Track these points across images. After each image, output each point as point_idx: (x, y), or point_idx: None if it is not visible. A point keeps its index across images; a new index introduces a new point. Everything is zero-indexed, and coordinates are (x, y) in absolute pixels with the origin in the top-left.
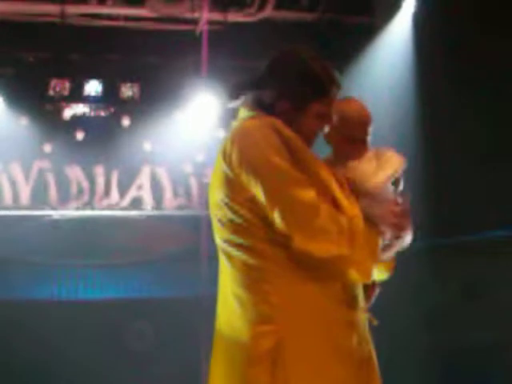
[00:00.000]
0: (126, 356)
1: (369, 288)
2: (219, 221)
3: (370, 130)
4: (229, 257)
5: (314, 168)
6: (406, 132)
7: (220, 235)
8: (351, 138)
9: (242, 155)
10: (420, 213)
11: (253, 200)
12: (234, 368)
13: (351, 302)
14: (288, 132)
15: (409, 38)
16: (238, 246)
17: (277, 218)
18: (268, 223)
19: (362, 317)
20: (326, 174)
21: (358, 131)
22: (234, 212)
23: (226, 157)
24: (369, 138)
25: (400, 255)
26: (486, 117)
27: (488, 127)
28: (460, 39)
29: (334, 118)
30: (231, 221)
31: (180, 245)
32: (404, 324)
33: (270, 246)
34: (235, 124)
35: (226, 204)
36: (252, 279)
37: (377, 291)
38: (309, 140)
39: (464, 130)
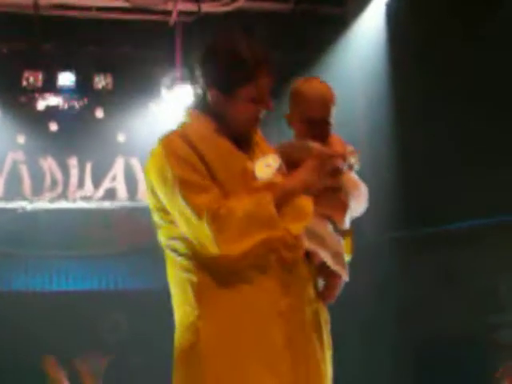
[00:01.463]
0: (101, 347)
1: (330, 277)
2: (154, 223)
3: (332, 111)
4: (165, 256)
5: (224, 165)
6: (377, 123)
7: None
8: (311, 118)
9: (150, 168)
10: (390, 205)
11: (163, 208)
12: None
13: (283, 292)
14: (196, 137)
15: (381, 29)
16: (166, 246)
17: (180, 224)
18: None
19: (305, 307)
20: (239, 164)
21: (318, 111)
22: (156, 217)
23: (145, 167)
24: (331, 120)
25: (370, 246)
26: (456, 109)
27: (458, 118)
28: (432, 29)
29: (294, 98)
30: (156, 224)
31: (154, 236)
32: (375, 315)
33: (187, 246)
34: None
35: (151, 209)
36: (178, 278)
37: (340, 281)
38: (248, 126)
39: (435, 123)
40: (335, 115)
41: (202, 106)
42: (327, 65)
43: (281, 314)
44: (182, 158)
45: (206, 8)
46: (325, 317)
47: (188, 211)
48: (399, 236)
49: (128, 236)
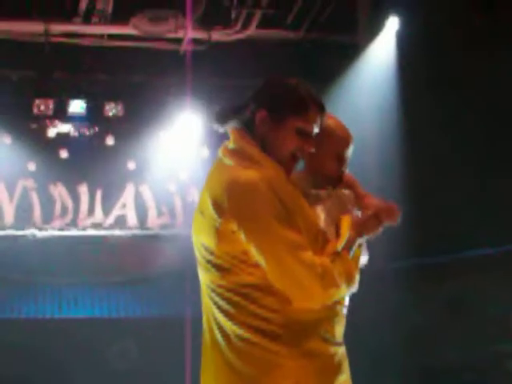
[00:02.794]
0: (110, 374)
1: None
2: (202, 263)
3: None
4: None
5: (304, 213)
6: (388, 151)
7: (204, 277)
8: (341, 156)
9: (237, 211)
10: (400, 233)
11: (243, 252)
12: None
13: (337, 343)
14: (280, 183)
15: (392, 57)
16: (225, 289)
17: (274, 279)
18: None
19: (338, 350)
20: (311, 212)
21: (347, 148)
22: (219, 258)
23: (216, 205)
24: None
25: (381, 275)
26: (470, 138)
27: (469, 148)
28: (443, 57)
29: (323, 133)
30: (216, 266)
31: (164, 264)
32: (385, 343)
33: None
34: (222, 156)
35: (212, 252)
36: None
37: None
38: (288, 160)
39: (447, 153)
40: None
41: (247, 129)
42: (337, 93)
43: (337, 365)
44: (275, 208)
45: (217, 36)
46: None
47: (296, 266)
48: (410, 264)
49: (137, 264)
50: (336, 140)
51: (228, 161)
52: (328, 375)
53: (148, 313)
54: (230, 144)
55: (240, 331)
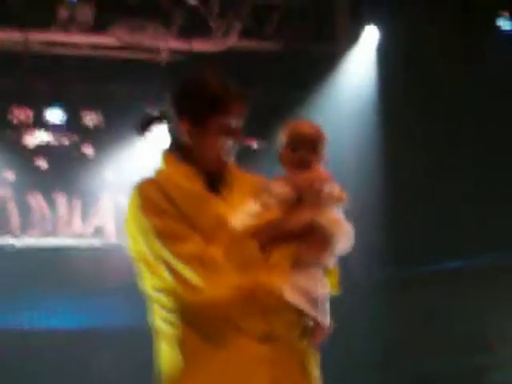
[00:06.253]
0: None
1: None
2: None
3: (321, 150)
4: (150, 306)
5: (198, 212)
6: (367, 161)
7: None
8: (299, 156)
9: (128, 218)
10: (376, 244)
11: (146, 259)
12: None
13: (264, 338)
14: (168, 185)
15: (371, 67)
16: (150, 297)
17: (164, 276)
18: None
19: (291, 351)
20: (213, 210)
21: (305, 147)
22: (139, 267)
23: (125, 217)
24: (319, 159)
25: (357, 286)
26: (447, 147)
27: (448, 158)
28: (423, 68)
29: (283, 138)
30: (139, 273)
31: None
32: (361, 356)
33: (171, 299)
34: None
35: (134, 259)
36: (163, 330)
37: (325, 328)
38: (220, 160)
39: (425, 163)
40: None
41: (176, 146)
42: (317, 103)
43: (262, 361)
44: (158, 207)
45: (198, 46)
46: (315, 358)
47: (174, 261)
48: (386, 276)
49: (116, 274)
50: (289, 140)
51: None
52: (250, 369)
53: (129, 323)
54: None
55: (155, 333)
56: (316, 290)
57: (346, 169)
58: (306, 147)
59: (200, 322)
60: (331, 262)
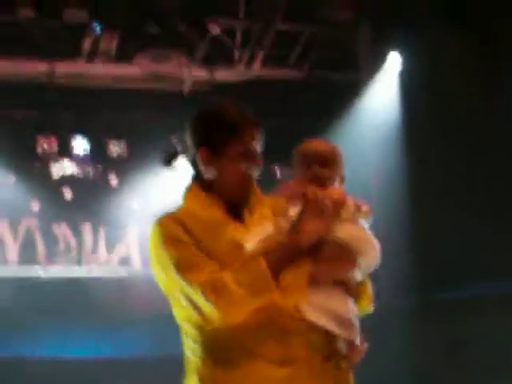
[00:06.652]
0: None
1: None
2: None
3: (336, 167)
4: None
5: (213, 238)
6: (392, 186)
7: None
8: (312, 172)
9: (150, 253)
10: (403, 270)
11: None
12: None
13: (282, 363)
14: (186, 216)
15: (394, 95)
16: (180, 326)
17: (184, 306)
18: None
19: (313, 375)
20: (228, 236)
21: (318, 163)
22: (169, 298)
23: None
24: (334, 176)
25: (382, 312)
26: (475, 175)
27: (477, 186)
28: (448, 94)
29: (297, 156)
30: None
31: (167, 305)
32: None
33: (193, 329)
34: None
35: (164, 291)
36: (188, 359)
37: (358, 347)
38: (241, 187)
39: (452, 190)
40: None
41: (197, 177)
42: (342, 130)
43: (285, 380)
44: (176, 238)
45: (220, 76)
46: (346, 381)
47: (190, 290)
48: (412, 302)
49: (142, 305)
50: (300, 159)
51: None
52: None
53: (154, 353)
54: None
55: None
56: (341, 307)
57: (370, 195)
58: (320, 163)
59: (216, 350)
60: (355, 277)
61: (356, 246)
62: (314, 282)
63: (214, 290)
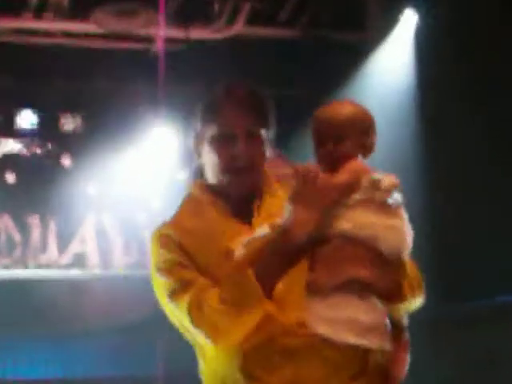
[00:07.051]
0: None
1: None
2: None
3: (355, 137)
4: None
5: (206, 250)
6: (406, 172)
7: None
8: (324, 153)
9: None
10: (426, 278)
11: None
12: None
13: (294, 381)
14: (180, 229)
15: (409, 59)
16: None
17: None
18: None
19: None
20: (221, 245)
21: (332, 139)
22: None
23: None
24: (356, 150)
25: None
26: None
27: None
28: (469, 60)
29: (311, 132)
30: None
31: (131, 313)
32: None
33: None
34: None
35: None
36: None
37: (399, 357)
38: (223, 177)
39: (476, 174)
40: None
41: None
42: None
43: None
44: (168, 260)
45: (196, 34)
46: None
47: (178, 313)
48: (436, 312)
49: (99, 312)
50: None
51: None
52: None
53: (112, 371)
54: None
55: None
56: (355, 311)
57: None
58: (335, 138)
59: (216, 375)
60: (374, 271)
61: (368, 237)
62: (313, 288)
63: (199, 312)
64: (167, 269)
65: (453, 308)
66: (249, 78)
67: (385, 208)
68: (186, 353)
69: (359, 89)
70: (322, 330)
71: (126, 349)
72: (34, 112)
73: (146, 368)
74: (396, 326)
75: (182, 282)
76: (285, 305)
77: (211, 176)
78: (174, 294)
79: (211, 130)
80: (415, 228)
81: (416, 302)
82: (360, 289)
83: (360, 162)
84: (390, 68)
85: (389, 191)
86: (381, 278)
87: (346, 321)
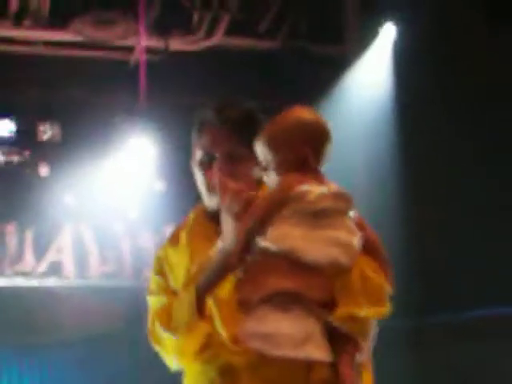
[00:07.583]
0: None
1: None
2: None
3: (288, 148)
4: None
5: (181, 270)
6: (383, 187)
7: None
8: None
9: None
10: (398, 288)
11: None
12: None
13: None
14: (165, 251)
15: (387, 72)
16: None
17: None
18: None
19: None
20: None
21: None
22: None
23: None
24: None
25: (379, 337)
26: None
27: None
28: (447, 74)
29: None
30: None
31: (108, 323)
32: None
33: None
34: None
35: None
36: None
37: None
38: (209, 195)
39: (453, 188)
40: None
41: None
42: (321, 114)
43: None
44: (155, 283)
45: (176, 45)
46: None
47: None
48: (409, 324)
49: (75, 322)
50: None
51: None
52: None
53: (87, 381)
54: None
55: None
56: (281, 324)
57: (357, 190)
58: (271, 150)
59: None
60: (297, 286)
61: (287, 249)
62: (242, 303)
63: (153, 332)
64: (153, 290)
65: (427, 319)
66: (227, 88)
67: (310, 219)
68: (163, 363)
69: (338, 101)
70: (253, 344)
71: (102, 358)
72: (12, 120)
73: (122, 378)
74: (341, 336)
75: (158, 303)
76: (225, 321)
77: (203, 198)
78: (156, 318)
79: (198, 153)
80: (396, 240)
81: (377, 311)
82: (285, 301)
83: (292, 175)
84: (369, 81)
85: (315, 202)
86: (309, 287)
87: (272, 334)
